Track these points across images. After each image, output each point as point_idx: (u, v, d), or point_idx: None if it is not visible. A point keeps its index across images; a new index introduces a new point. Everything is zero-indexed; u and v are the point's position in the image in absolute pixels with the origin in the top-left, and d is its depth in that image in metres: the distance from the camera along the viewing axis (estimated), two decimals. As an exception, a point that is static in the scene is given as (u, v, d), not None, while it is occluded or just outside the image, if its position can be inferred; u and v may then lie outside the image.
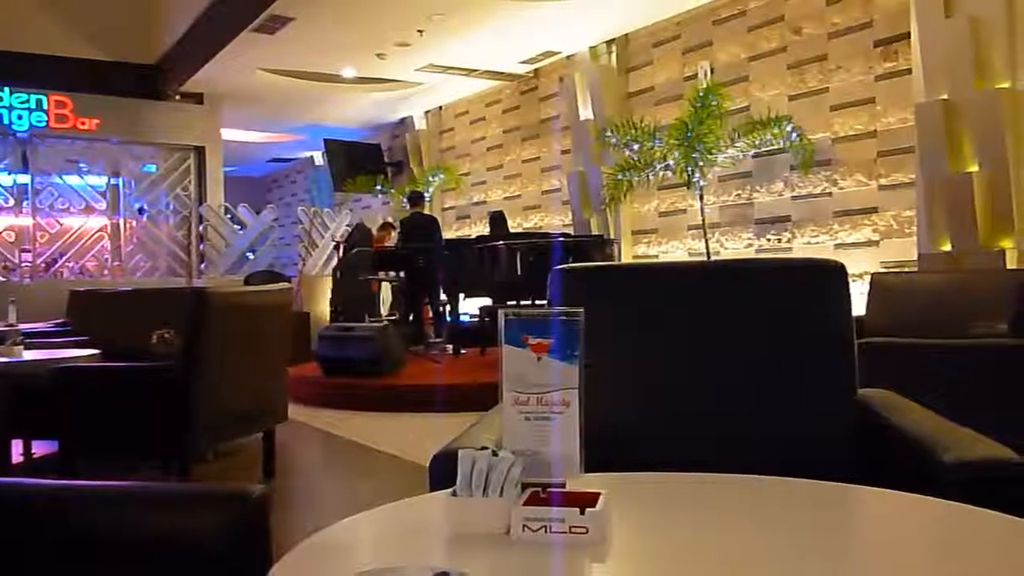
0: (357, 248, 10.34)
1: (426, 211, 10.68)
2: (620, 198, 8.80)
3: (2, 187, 12.03)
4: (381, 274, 10.39)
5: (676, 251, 9.73)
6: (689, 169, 7.95)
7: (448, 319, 9.53)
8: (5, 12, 10.87)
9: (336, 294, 10.36)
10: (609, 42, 10.41)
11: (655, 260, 9.71)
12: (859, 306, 5.23)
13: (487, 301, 9.29)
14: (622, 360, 1.94)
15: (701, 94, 7.96)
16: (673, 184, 8.86)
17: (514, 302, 8.12)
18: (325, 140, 14.70)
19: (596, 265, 2.26)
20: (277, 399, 4.76)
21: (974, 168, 6.47)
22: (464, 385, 6.74)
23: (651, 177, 8.39)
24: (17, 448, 4.70)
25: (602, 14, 9.46)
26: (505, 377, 1.23)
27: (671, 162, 8.10)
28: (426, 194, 12.83)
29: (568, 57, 10.91)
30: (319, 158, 16.89)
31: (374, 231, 11.37)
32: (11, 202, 12.19)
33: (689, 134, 7.82)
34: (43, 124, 12.08)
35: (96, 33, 11.75)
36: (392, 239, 10.93)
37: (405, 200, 10.49)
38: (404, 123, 14.66)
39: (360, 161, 14.42)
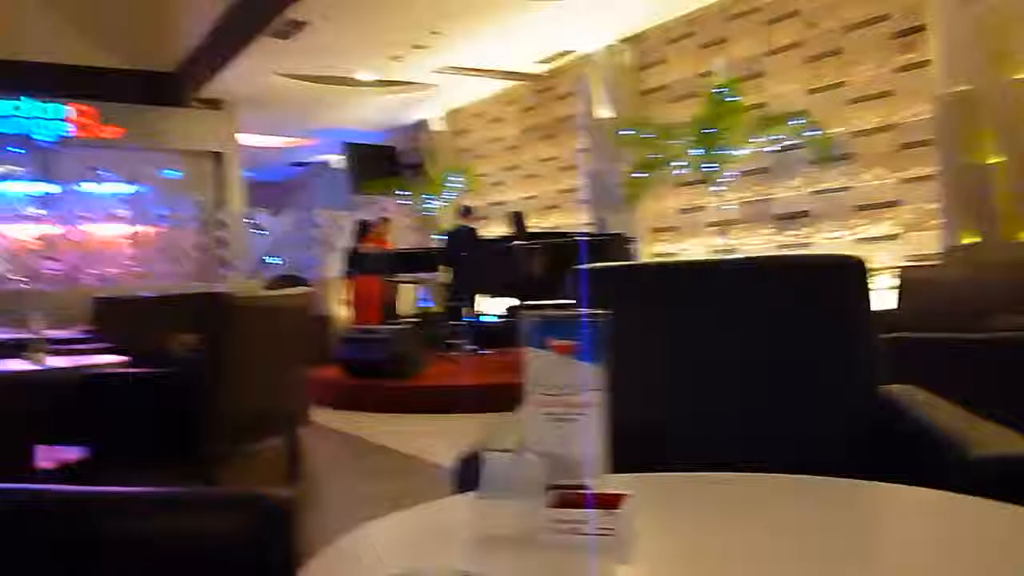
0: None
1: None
2: (638, 196, 8.79)
3: (26, 196, 12.16)
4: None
5: (695, 248, 9.70)
6: (707, 166, 7.92)
7: (470, 320, 9.56)
8: (27, 24, 11.01)
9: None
10: (624, 40, 10.38)
11: (676, 258, 9.67)
12: (886, 300, 5.19)
13: (510, 302, 9.28)
14: (646, 360, 1.93)
15: (718, 90, 7.93)
16: (691, 181, 8.83)
17: (536, 302, 8.10)
18: (343, 143, 14.74)
19: (619, 264, 2.25)
20: (299, 402, 4.78)
21: (996, 159, 6.40)
22: (487, 386, 6.72)
23: (669, 174, 8.37)
24: (44, 455, 4.74)
25: (617, 12, 9.44)
26: (529, 378, 1.23)
27: (688, 158, 8.08)
28: (445, 197, 12.88)
29: (584, 56, 10.90)
30: (337, 161, 16.93)
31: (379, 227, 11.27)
32: (35, 211, 12.33)
33: (707, 131, 7.79)
34: (65, 133, 12.21)
35: (115, 42, 11.87)
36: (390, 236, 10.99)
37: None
38: (421, 125, 14.67)
39: (378, 163, 14.45)
